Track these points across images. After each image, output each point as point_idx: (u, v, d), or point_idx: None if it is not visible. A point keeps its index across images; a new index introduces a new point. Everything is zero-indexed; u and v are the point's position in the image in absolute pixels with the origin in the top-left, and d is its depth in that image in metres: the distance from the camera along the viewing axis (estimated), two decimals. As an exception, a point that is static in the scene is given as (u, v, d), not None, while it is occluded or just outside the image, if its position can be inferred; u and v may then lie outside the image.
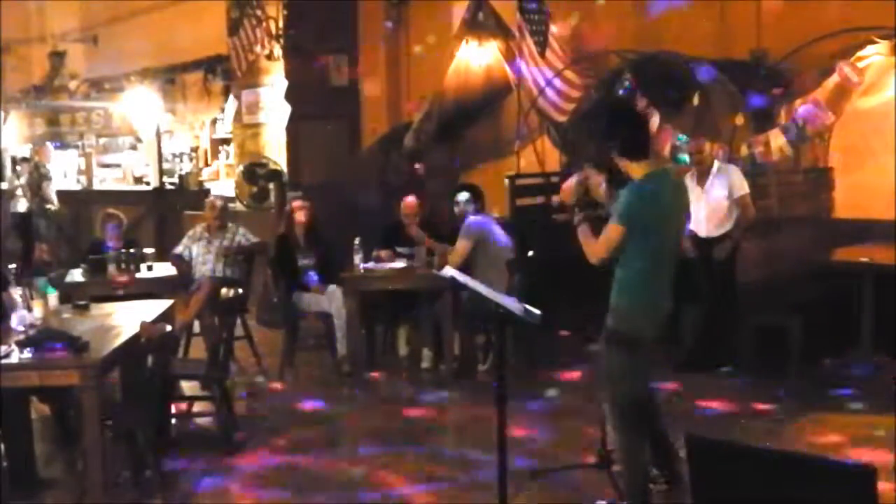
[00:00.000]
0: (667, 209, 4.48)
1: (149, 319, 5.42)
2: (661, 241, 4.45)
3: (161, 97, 13.08)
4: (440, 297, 7.25)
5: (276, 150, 10.84)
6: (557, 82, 8.54)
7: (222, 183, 12.16)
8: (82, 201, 13.81)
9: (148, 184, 13.58)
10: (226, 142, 12.59)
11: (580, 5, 9.05)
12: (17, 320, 5.21)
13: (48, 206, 13.41)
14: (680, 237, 4.84)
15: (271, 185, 10.31)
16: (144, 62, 13.29)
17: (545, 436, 5.97)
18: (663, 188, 4.49)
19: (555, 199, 4.71)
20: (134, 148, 14.21)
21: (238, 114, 11.41)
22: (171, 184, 13.13)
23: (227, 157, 12.49)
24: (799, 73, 7.38)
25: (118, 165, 14.71)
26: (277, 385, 7.37)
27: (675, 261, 4.59)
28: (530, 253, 7.44)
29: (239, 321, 7.65)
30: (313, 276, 7.63)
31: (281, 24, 10.47)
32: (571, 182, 4.73)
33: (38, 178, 13.55)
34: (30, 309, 5.42)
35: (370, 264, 7.54)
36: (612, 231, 4.39)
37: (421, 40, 10.38)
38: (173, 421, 6.10)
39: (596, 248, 4.48)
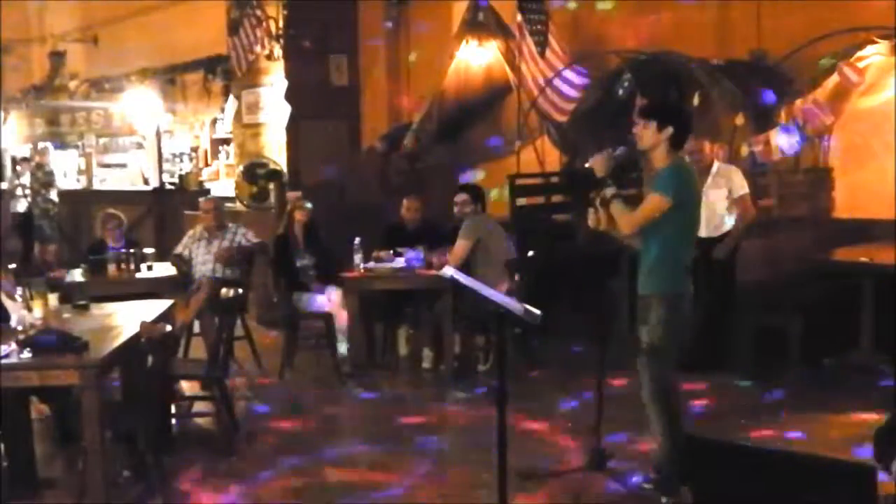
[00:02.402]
0: (697, 193, 4.86)
1: (149, 319, 5.42)
2: (694, 220, 4.79)
3: (161, 97, 13.07)
4: (440, 297, 7.25)
5: (276, 150, 10.83)
6: (557, 82, 8.54)
7: (222, 183, 12.15)
8: (82, 201, 13.82)
9: (148, 183, 13.58)
10: (226, 142, 12.58)
11: (581, 5, 9.06)
12: (16, 320, 5.20)
13: (49, 206, 13.43)
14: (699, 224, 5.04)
15: (271, 185, 10.30)
16: (144, 62, 13.28)
17: (545, 436, 5.97)
18: (694, 174, 4.89)
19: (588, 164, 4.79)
20: (141, 146, 14.21)
21: (238, 114, 11.40)
22: (171, 184, 13.13)
23: (227, 157, 12.47)
24: (799, 74, 7.38)
25: (123, 165, 14.68)
26: (277, 385, 7.37)
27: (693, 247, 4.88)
28: (530, 253, 7.44)
29: (239, 321, 7.65)
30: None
31: (281, 24, 10.47)
32: (602, 155, 4.74)
33: (39, 179, 13.58)
34: (30, 309, 5.41)
35: (370, 264, 7.55)
36: (659, 202, 4.58)
37: (421, 40, 10.38)
38: (173, 421, 6.10)
39: (634, 218, 4.64)
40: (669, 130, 4.61)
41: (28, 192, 13.74)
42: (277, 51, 10.51)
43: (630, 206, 4.69)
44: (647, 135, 4.65)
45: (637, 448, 5.44)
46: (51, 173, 13.72)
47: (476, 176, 9.54)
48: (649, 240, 4.67)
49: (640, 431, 5.32)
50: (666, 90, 7.75)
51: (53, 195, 13.61)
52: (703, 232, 7.09)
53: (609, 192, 4.66)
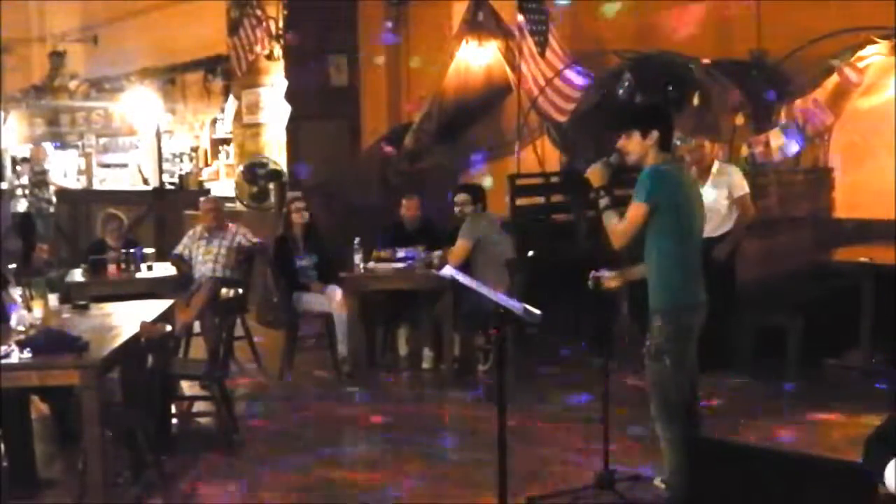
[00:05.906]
0: (687, 193, 4.54)
1: (149, 319, 5.42)
2: (686, 222, 4.47)
3: (161, 97, 13.09)
4: (440, 297, 7.25)
5: (276, 150, 10.85)
6: (557, 82, 8.54)
7: (222, 183, 12.16)
8: (82, 201, 13.82)
9: (148, 183, 13.59)
10: (226, 142, 12.60)
11: (581, 5, 9.06)
12: (16, 320, 5.20)
13: (42, 204, 13.44)
14: (702, 226, 4.75)
15: (271, 185, 10.31)
16: (144, 62, 13.30)
17: (545, 437, 5.97)
18: (681, 174, 4.64)
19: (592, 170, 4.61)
20: (137, 147, 14.23)
21: (238, 114, 11.42)
22: (171, 184, 13.14)
23: (227, 157, 12.49)
24: (799, 74, 7.38)
25: (123, 165, 14.69)
26: (277, 385, 7.37)
27: (699, 250, 4.59)
28: (530, 253, 7.43)
29: (239, 321, 7.65)
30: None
31: (281, 24, 10.48)
32: (598, 165, 4.61)
33: (30, 178, 13.61)
34: (30, 309, 5.41)
35: (370, 264, 7.55)
36: (636, 210, 4.40)
37: (421, 40, 10.38)
38: (173, 421, 6.10)
39: (620, 230, 4.46)
40: (655, 134, 4.44)
41: (27, 191, 13.77)
42: (277, 51, 10.52)
43: (621, 214, 4.53)
44: (633, 145, 4.49)
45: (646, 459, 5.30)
46: (42, 172, 13.72)
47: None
48: (648, 251, 4.52)
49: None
50: (666, 90, 7.75)
51: (48, 194, 13.62)
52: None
53: (602, 202, 4.54)
